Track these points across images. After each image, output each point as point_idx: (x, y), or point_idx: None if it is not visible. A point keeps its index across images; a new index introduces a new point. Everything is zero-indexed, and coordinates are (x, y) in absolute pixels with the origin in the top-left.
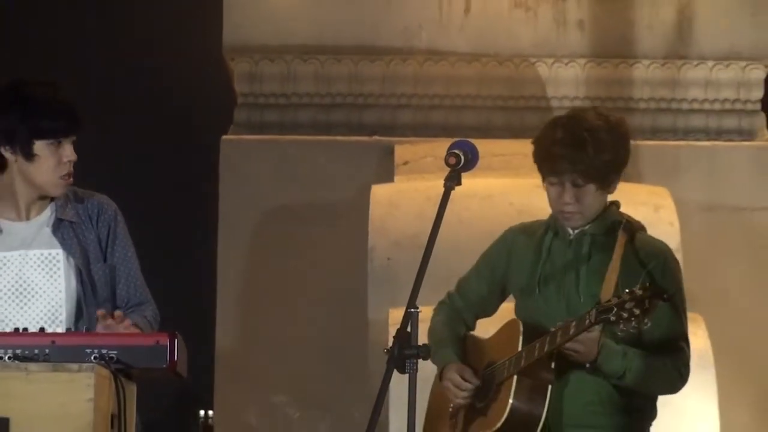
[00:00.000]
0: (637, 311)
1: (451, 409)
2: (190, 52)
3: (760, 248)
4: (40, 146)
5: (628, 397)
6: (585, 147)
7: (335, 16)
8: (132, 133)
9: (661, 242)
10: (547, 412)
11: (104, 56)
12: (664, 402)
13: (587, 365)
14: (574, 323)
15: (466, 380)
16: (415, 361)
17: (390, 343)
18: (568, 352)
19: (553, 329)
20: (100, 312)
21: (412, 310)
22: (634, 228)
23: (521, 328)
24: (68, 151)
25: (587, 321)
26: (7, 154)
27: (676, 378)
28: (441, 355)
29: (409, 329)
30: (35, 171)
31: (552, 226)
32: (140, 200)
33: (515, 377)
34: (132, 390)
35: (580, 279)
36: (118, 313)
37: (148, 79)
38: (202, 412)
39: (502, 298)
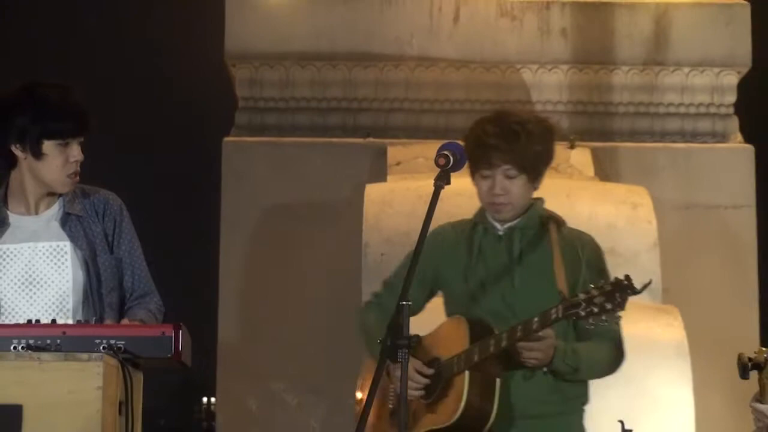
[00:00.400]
0: (608, 306)
1: (391, 406)
2: (194, 59)
3: (733, 245)
4: (48, 146)
5: (569, 385)
6: (518, 138)
7: (331, 24)
8: (139, 134)
9: (585, 233)
10: (498, 406)
11: (113, 63)
12: (641, 391)
13: (544, 369)
14: (536, 319)
15: (420, 373)
16: (406, 350)
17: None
18: (528, 360)
19: (513, 325)
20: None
21: (404, 303)
22: (559, 221)
23: (467, 325)
24: (75, 152)
25: (553, 316)
26: (18, 152)
27: (618, 358)
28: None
29: (400, 321)
30: (43, 169)
31: (480, 223)
32: (146, 198)
33: (467, 373)
34: (139, 378)
35: (516, 274)
36: (125, 322)
37: (154, 83)
38: (204, 399)
39: (431, 297)
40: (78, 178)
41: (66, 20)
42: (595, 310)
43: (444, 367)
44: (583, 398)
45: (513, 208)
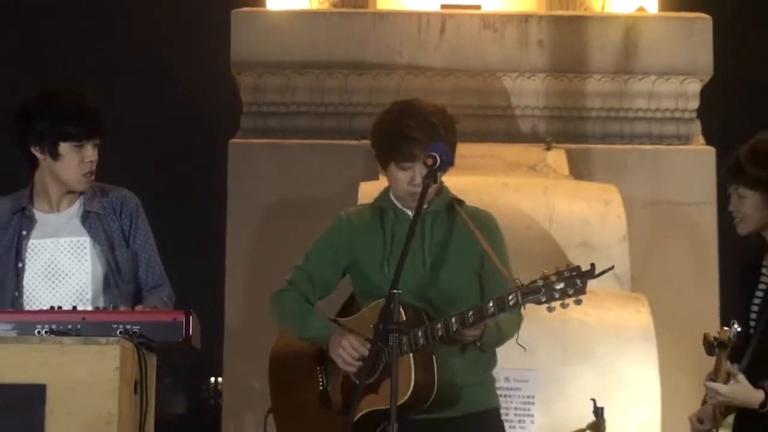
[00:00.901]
0: (570, 291)
1: (321, 388)
2: (203, 68)
3: (696, 238)
4: (64, 147)
5: (486, 354)
6: (438, 130)
7: (328, 36)
8: (152, 137)
9: (482, 209)
10: (437, 381)
11: (131, 72)
12: (611, 372)
13: (477, 344)
14: (491, 305)
15: (356, 348)
16: (397, 334)
17: (375, 320)
18: (466, 338)
19: (463, 311)
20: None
21: (395, 291)
22: (461, 201)
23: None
24: (89, 153)
25: (512, 302)
26: (37, 154)
27: (520, 323)
28: (319, 326)
29: (392, 307)
30: (60, 169)
31: (390, 209)
32: (159, 196)
33: (411, 354)
34: (152, 360)
35: (432, 257)
36: (139, 309)
37: (167, 90)
38: (212, 379)
39: (340, 280)
40: (93, 176)
41: (84, 33)
42: (556, 295)
43: (386, 350)
44: (494, 365)
45: (432, 196)
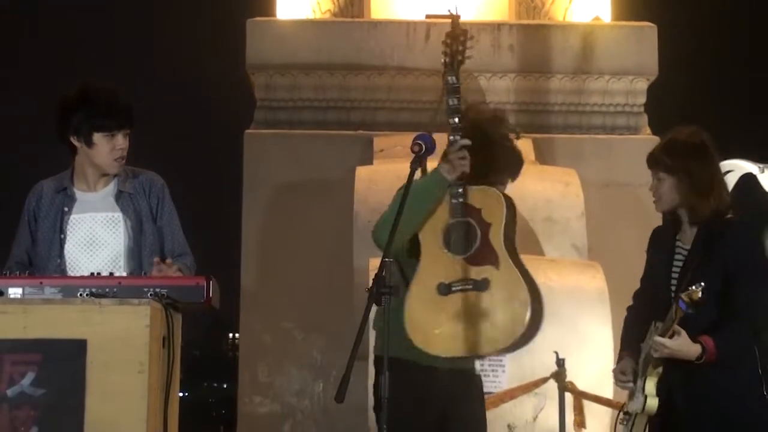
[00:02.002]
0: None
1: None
2: (222, 70)
3: (644, 214)
4: (98, 137)
5: None
6: None
7: (329, 42)
8: (180, 128)
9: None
10: None
11: (162, 75)
12: (571, 330)
13: None
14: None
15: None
16: (388, 297)
17: (370, 284)
18: None
19: None
20: (156, 259)
21: (386, 260)
22: None
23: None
24: (120, 141)
25: None
26: (75, 142)
27: None
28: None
29: (384, 274)
30: (95, 155)
31: None
32: (185, 179)
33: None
34: (178, 318)
35: None
36: (169, 261)
37: (191, 89)
38: (230, 335)
39: None
40: (124, 161)
41: (125, 36)
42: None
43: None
44: None
45: None
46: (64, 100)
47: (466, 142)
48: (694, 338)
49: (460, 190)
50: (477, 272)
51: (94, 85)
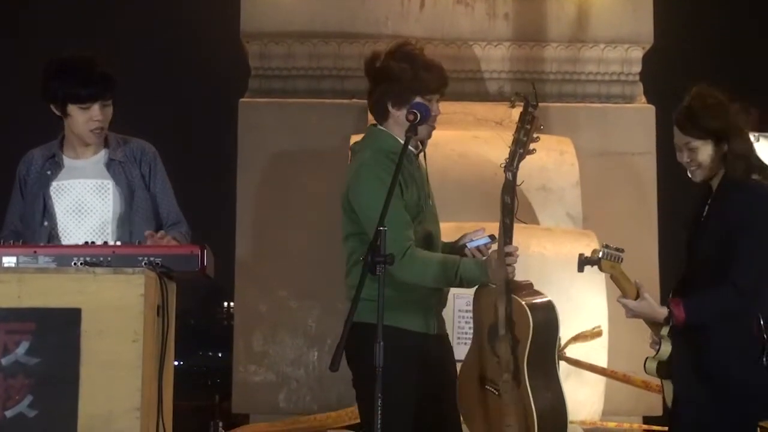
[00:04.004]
0: (527, 125)
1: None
2: (217, 38)
3: (638, 183)
4: (72, 108)
5: None
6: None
7: (323, 9)
8: (175, 98)
9: None
10: None
11: (159, 44)
12: (566, 297)
13: None
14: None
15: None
16: (383, 265)
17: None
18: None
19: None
20: (148, 232)
21: (381, 228)
22: None
23: None
24: (96, 113)
25: (511, 168)
26: (55, 111)
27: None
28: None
29: (378, 243)
30: (72, 125)
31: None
32: (181, 147)
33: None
34: (173, 287)
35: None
36: (161, 233)
37: (187, 58)
38: (225, 304)
39: None
40: (103, 131)
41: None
42: (524, 138)
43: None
44: None
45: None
46: (45, 69)
47: (513, 248)
48: (674, 298)
49: (500, 295)
50: (504, 379)
51: (72, 54)
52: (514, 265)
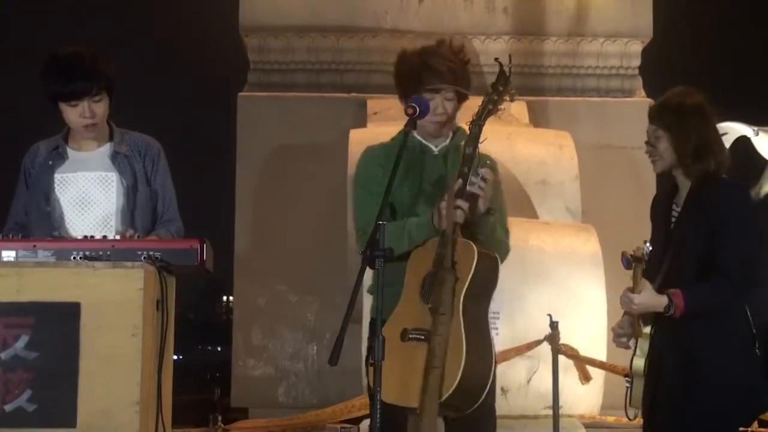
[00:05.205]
0: (500, 87)
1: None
2: (216, 32)
3: (637, 177)
4: (62, 105)
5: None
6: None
7: (322, 3)
8: (174, 92)
9: None
10: None
11: (156, 36)
12: (565, 292)
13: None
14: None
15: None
16: (381, 259)
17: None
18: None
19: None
20: (120, 230)
21: (380, 222)
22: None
23: None
24: (84, 109)
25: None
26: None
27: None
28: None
29: (377, 237)
30: (67, 120)
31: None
32: (181, 141)
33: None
34: (172, 282)
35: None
36: (130, 231)
37: (186, 52)
38: (224, 298)
39: None
40: (95, 127)
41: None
42: (495, 97)
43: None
44: None
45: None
46: (44, 64)
47: (477, 191)
48: (662, 292)
49: (446, 238)
50: (440, 311)
51: (63, 51)
52: (465, 208)
